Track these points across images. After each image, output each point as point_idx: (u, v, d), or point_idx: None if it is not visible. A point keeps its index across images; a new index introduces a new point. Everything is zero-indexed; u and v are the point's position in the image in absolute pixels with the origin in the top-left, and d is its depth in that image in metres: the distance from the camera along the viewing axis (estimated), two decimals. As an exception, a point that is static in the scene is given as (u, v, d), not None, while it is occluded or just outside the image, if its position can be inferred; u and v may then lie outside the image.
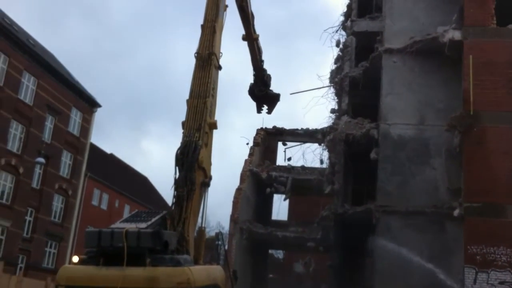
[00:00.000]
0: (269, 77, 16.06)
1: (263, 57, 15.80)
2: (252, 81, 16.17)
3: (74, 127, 36.81)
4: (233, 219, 25.12)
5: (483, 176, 16.38)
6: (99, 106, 39.67)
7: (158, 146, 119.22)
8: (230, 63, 11.79)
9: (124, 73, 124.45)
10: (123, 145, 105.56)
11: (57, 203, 35.44)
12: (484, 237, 15.95)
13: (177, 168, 9.63)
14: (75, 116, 36.98)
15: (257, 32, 14.90)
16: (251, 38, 14.68)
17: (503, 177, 16.19)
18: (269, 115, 17.45)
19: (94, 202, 41.93)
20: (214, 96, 10.94)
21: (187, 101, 10.53)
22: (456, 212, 16.99)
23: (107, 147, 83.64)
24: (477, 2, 17.65)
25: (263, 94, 16.04)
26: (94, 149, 42.05)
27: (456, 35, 17.84)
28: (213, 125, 10.68)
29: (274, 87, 16.52)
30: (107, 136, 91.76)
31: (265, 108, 16.87)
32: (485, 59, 17.08)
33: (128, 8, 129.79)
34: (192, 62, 11.21)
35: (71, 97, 36.17)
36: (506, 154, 16.27)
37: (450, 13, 18.58)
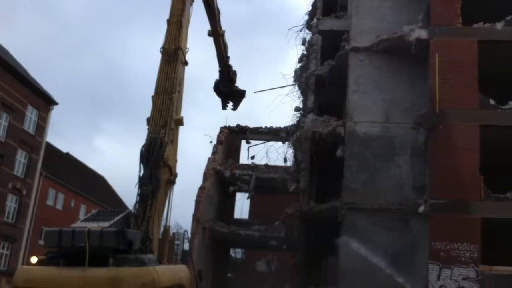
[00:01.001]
0: (234, 73, 15.89)
1: (228, 53, 15.64)
2: (218, 78, 15.96)
3: (29, 125, 35.53)
4: (196, 218, 24.70)
5: (448, 173, 16.53)
6: (56, 103, 38.44)
7: (113, 144, 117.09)
8: (190, 60, 11.57)
9: (78, 70, 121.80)
10: (77, 143, 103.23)
11: (11, 203, 34.13)
12: (448, 233, 16.08)
13: (141, 165, 9.34)
14: (31, 114, 35.71)
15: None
16: (217, 34, 14.50)
17: (467, 174, 16.39)
18: (233, 112, 17.27)
19: (49, 202, 40.60)
20: (180, 92, 10.72)
21: (153, 97, 10.25)
22: (421, 209, 17.11)
23: (62, 146, 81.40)
24: (443, 2, 17.88)
25: (228, 90, 15.87)
26: (50, 147, 40.72)
27: (423, 34, 18.00)
28: (180, 122, 10.48)
29: (237, 83, 16.33)
30: (62, 134, 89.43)
31: (230, 104, 16.68)
32: (451, 58, 17.28)
33: (82, 4, 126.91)
34: (148, 59, 10.91)
35: (27, 95, 34.89)
36: (470, 151, 16.48)
37: (416, 12, 18.76)
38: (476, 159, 16.33)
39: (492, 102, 16.92)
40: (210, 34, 14.54)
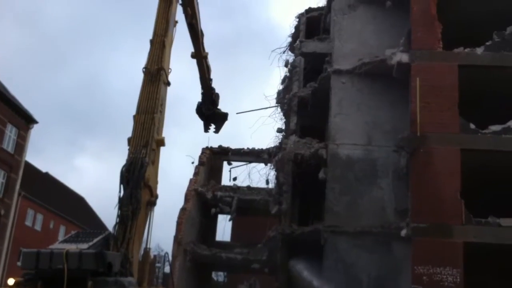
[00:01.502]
0: (217, 96, 15.90)
1: (211, 76, 15.63)
2: (200, 100, 15.91)
3: (8, 144, 34.99)
4: (177, 241, 24.43)
5: (430, 196, 16.53)
6: (36, 122, 37.99)
7: (93, 162, 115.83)
8: (173, 76, 11.56)
9: (57, 85, 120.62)
10: (57, 162, 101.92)
11: (-12, 223, 33.41)
12: (431, 257, 16.02)
13: (121, 185, 9.27)
14: (10, 133, 35.20)
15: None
16: (200, 56, 14.56)
17: (449, 198, 16.40)
18: (215, 134, 17.25)
19: (28, 223, 39.88)
20: (162, 113, 10.69)
21: (134, 116, 10.21)
22: (403, 233, 17.05)
23: (42, 164, 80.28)
24: (424, 26, 18.06)
25: (211, 113, 15.84)
26: (29, 167, 40.11)
27: (404, 58, 18.15)
28: (161, 142, 10.42)
29: (220, 105, 16.31)
30: (41, 152, 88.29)
31: (212, 127, 16.62)
32: (432, 81, 17.41)
33: (61, 17, 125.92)
34: (130, 75, 10.87)
35: (6, 113, 34.42)
36: (452, 175, 16.52)
37: (398, 36, 18.92)
38: (457, 183, 16.37)
39: (472, 126, 17.03)
40: (193, 56, 14.56)
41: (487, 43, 17.55)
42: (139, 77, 10.78)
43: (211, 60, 15.15)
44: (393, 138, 18.47)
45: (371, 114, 19.94)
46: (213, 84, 15.61)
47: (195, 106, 16.00)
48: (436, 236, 16.14)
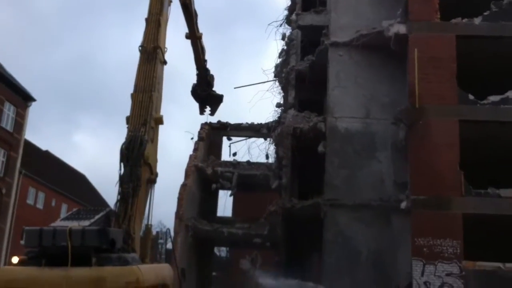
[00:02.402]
0: (212, 77, 15.90)
1: (206, 56, 15.58)
2: (195, 81, 15.91)
3: (7, 122, 34.86)
4: (178, 216, 24.49)
5: (429, 169, 16.53)
6: (34, 100, 37.83)
7: (92, 139, 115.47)
8: (170, 54, 11.55)
9: (50, 64, 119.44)
10: (56, 140, 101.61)
11: (-10, 202, 33.56)
12: (430, 229, 16.09)
13: (121, 163, 9.34)
14: (9, 111, 35.04)
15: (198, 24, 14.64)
16: (194, 36, 14.58)
17: (448, 170, 16.40)
18: (211, 116, 17.21)
19: (30, 201, 40.01)
20: (159, 91, 10.72)
21: (132, 95, 10.24)
22: (403, 205, 17.13)
23: (41, 143, 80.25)
24: (421, -3, 17.84)
25: (206, 94, 15.85)
26: (29, 145, 40.11)
27: (401, 29, 17.96)
28: (159, 120, 10.49)
29: (217, 80, 16.25)
30: (40, 131, 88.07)
31: (207, 109, 16.64)
32: (430, 53, 17.24)
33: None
34: (123, 52, 10.86)
35: (4, 91, 34.22)
36: (450, 147, 16.50)
37: (395, 8, 18.71)
38: (456, 154, 16.35)
39: (471, 97, 16.94)
40: (187, 36, 14.59)
41: (485, 13, 17.34)
42: (131, 54, 10.79)
43: (206, 33, 15.08)
44: (391, 111, 18.42)
45: (369, 86, 19.86)
46: (209, 61, 15.54)
47: (191, 85, 15.97)
48: (435, 208, 16.19)
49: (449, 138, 16.56)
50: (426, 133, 16.84)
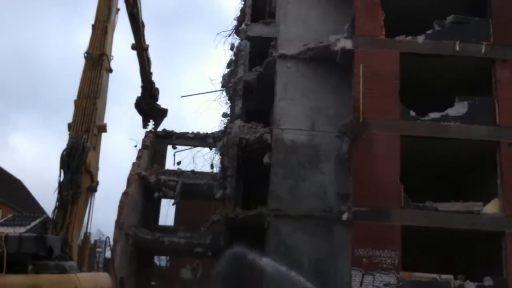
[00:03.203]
0: (157, 90, 15.85)
1: (152, 69, 15.47)
2: (140, 94, 15.75)
3: None
4: (119, 225, 23.96)
5: (370, 181, 16.92)
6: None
7: (28, 141, 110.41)
8: (116, 54, 11.39)
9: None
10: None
11: None
12: (370, 240, 16.43)
13: (62, 170, 9.28)
14: None
15: (144, 21, 14.51)
16: (140, 48, 14.58)
17: (388, 183, 16.84)
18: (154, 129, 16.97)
19: (-40, 207, 38.12)
20: (103, 99, 10.69)
21: (75, 101, 10.16)
22: (344, 216, 17.43)
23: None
24: (367, 13, 18.32)
25: (150, 107, 15.73)
26: (-39, 148, 38.26)
27: (348, 44, 18.36)
28: (103, 128, 10.49)
29: (162, 84, 16.09)
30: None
31: (151, 123, 16.51)
32: (374, 68, 17.72)
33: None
34: (62, 50, 10.69)
35: None
36: (391, 160, 16.95)
37: (342, 23, 19.13)
38: (396, 168, 16.82)
39: (412, 113, 17.50)
40: (133, 47, 14.50)
41: (428, 32, 18.01)
42: (73, 55, 10.62)
43: (151, 32, 14.96)
44: (336, 124, 18.78)
45: (315, 99, 20.18)
46: (153, 60, 15.37)
47: (136, 94, 15.78)
48: (375, 219, 16.56)
49: (390, 152, 17.03)
50: (368, 147, 17.25)
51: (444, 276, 16.16)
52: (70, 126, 9.93)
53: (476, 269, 17.19)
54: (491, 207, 16.58)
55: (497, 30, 17.79)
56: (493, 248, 16.61)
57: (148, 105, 15.77)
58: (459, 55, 17.71)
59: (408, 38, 18.05)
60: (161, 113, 16.16)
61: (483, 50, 17.63)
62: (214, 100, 25.05)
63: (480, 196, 17.13)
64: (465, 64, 17.96)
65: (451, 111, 17.32)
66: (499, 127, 17.05)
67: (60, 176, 9.21)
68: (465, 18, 18.07)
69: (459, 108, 17.31)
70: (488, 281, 15.90)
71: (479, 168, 18.10)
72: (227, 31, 25.07)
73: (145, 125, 16.43)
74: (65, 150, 9.45)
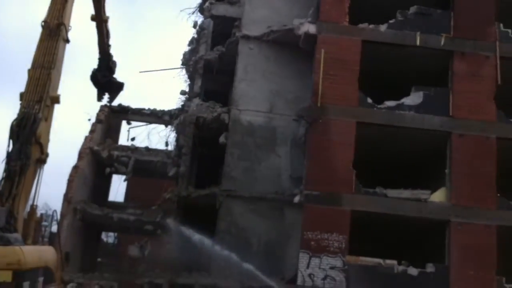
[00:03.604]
0: (114, 63, 15.57)
1: (110, 41, 15.16)
2: (96, 67, 15.41)
3: None
4: (67, 199, 23.42)
5: (324, 166, 17.05)
6: None
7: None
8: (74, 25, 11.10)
9: None
10: None
11: None
12: (320, 224, 16.58)
13: (10, 140, 9.12)
14: None
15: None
16: (100, 19, 14.29)
17: (342, 168, 17.00)
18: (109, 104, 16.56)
19: None
20: (59, 69, 10.48)
21: (29, 70, 9.98)
22: (296, 199, 17.51)
23: None
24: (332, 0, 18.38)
25: (106, 81, 15.44)
26: None
27: (311, 28, 18.36)
28: (56, 99, 10.29)
29: (122, 57, 15.74)
30: None
31: (106, 96, 16.19)
32: (336, 55, 17.80)
33: None
34: (19, 21, 10.41)
35: None
36: (346, 146, 17.10)
37: (308, 7, 19.13)
38: (350, 154, 17.00)
39: (369, 100, 17.71)
40: (93, 18, 14.20)
41: (391, 21, 18.22)
42: (30, 26, 10.29)
43: (112, 6, 14.61)
44: (294, 107, 18.85)
45: (275, 82, 20.18)
46: (114, 34, 15.06)
47: (92, 67, 15.37)
48: (326, 203, 16.72)
49: (345, 138, 17.20)
50: (325, 131, 17.36)
51: (388, 261, 16.50)
52: (22, 96, 9.73)
53: (423, 256, 17.68)
54: (438, 196, 17.02)
55: (457, 23, 18.16)
56: (438, 236, 17.09)
57: (105, 77, 15.43)
58: (419, 46, 18.00)
59: (371, 26, 18.21)
60: (117, 87, 15.83)
61: (442, 42, 17.99)
62: (173, 77, 24.75)
63: (431, 185, 17.56)
64: (425, 55, 18.28)
65: (407, 100, 17.63)
66: (452, 118, 17.48)
67: (8, 146, 9.07)
68: (428, 9, 18.36)
69: (414, 98, 17.63)
70: (430, 267, 16.35)
71: (431, 157, 18.54)
72: (191, 8, 24.72)
73: (99, 98, 16.06)
74: (15, 120, 9.27)
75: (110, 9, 14.80)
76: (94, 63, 15.96)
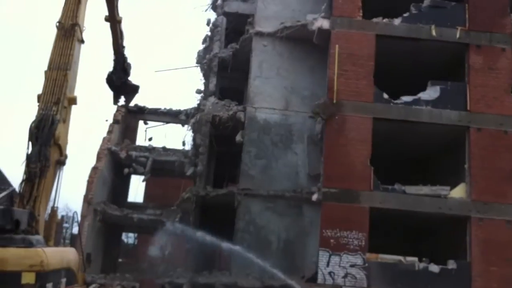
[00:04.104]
0: (129, 65, 15.64)
1: (125, 43, 15.23)
2: (112, 69, 15.50)
3: None
4: (87, 200, 23.68)
5: (341, 163, 16.94)
6: None
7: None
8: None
9: None
10: None
11: None
12: (338, 221, 16.49)
13: (30, 142, 9.16)
14: None
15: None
16: (114, 20, 14.34)
17: (359, 165, 16.88)
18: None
19: None
20: (75, 70, 10.51)
21: (45, 72, 10.01)
22: (314, 197, 17.44)
23: None
24: (345, -6, 18.23)
25: (122, 83, 15.52)
26: None
27: (325, 24, 18.23)
28: (73, 101, 10.30)
29: (135, 62, 15.84)
30: None
31: (122, 99, 16.30)
32: (350, 50, 17.63)
33: None
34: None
35: None
36: (363, 142, 16.98)
37: (321, 2, 18.95)
38: (367, 150, 16.86)
39: (385, 96, 17.54)
40: (106, 19, 14.26)
41: (405, 15, 17.98)
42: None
43: (129, 5, 14.73)
44: (310, 104, 18.71)
45: (290, 78, 20.08)
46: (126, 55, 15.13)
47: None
48: (344, 201, 16.63)
49: (362, 134, 17.06)
50: (341, 128, 17.25)
51: (409, 259, 16.37)
52: (39, 98, 9.73)
53: (442, 252, 17.51)
54: (458, 192, 16.81)
55: (472, 15, 17.84)
56: (458, 232, 16.90)
57: (120, 79, 15.52)
58: (434, 39, 17.73)
59: (385, 20, 17.98)
60: (133, 89, 15.92)
61: (457, 35, 17.71)
62: (189, 76, 24.79)
63: (449, 180, 17.34)
64: (440, 49, 18.02)
65: (423, 95, 17.40)
66: (470, 112, 17.19)
67: (28, 148, 9.07)
68: (442, 2, 18.06)
69: (431, 93, 17.40)
70: (451, 264, 16.18)
71: (449, 152, 18.31)
72: (204, 6, 24.72)
73: (115, 101, 16.17)
74: (34, 121, 9.31)
75: (124, 10, 14.86)
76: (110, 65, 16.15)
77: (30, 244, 7.62)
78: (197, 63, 24.82)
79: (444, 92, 17.41)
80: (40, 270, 7.30)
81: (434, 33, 17.72)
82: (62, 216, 30.35)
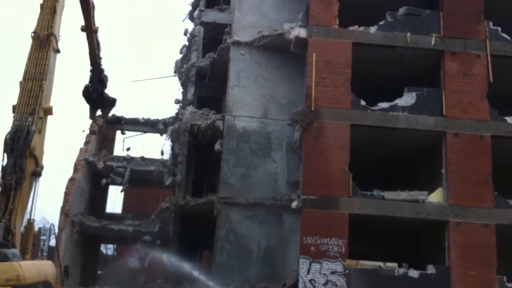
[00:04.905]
0: (106, 77, 15.42)
1: (101, 54, 15.06)
2: (88, 81, 15.33)
3: None
4: (64, 212, 23.39)
5: (320, 169, 17.04)
6: None
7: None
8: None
9: None
10: None
11: None
12: (318, 228, 16.55)
13: (5, 154, 9.00)
14: None
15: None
16: (90, 30, 14.16)
17: (337, 171, 17.00)
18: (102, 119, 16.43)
19: None
20: (50, 80, 10.39)
21: (20, 82, 9.87)
22: (294, 204, 17.48)
23: None
24: (322, 3, 18.38)
25: (99, 94, 15.31)
26: None
27: (302, 33, 18.37)
28: (49, 111, 10.17)
29: (112, 71, 15.65)
30: None
31: (99, 113, 16.12)
32: (327, 58, 17.81)
33: None
34: None
35: None
36: (341, 149, 17.11)
37: (297, 11, 19.12)
38: (346, 157, 16.99)
39: (362, 103, 17.71)
40: (83, 29, 14.08)
41: (380, 23, 18.23)
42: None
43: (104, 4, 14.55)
44: (288, 112, 18.77)
45: (268, 87, 20.14)
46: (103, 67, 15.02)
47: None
48: (324, 207, 16.70)
49: (340, 141, 17.20)
50: (319, 135, 17.36)
51: (389, 264, 16.47)
52: (14, 108, 9.60)
53: (423, 257, 17.66)
54: (436, 196, 17.00)
55: (447, 22, 18.17)
56: (438, 237, 17.07)
57: (97, 90, 15.29)
58: (410, 46, 18.02)
59: (361, 28, 18.22)
60: (110, 103, 15.70)
61: (433, 42, 18.01)
62: (167, 86, 24.70)
63: (427, 185, 17.54)
64: (415, 56, 18.30)
65: (400, 101, 17.63)
66: (446, 117, 17.47)
67: (3, 160, 8.97)
68: (417, 10, 18.39)
69: (408, 99, 17.64)
70: (431, 269, 16.32)
71: (427, 157, 18.54)
72: (182, 16, 24.73)
73: (92, 115, 15.93)
74: (8, 133, 9.16)
75: (101, 19, 14.73)
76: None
77: (5, 258, 7.50)
78: (175, 72, 24.79)
79: (421, 98, 17.65)
80: (16, 284, 7.19)
81: (409, 40, 18.00)
82: (39, 228, 29.85)
